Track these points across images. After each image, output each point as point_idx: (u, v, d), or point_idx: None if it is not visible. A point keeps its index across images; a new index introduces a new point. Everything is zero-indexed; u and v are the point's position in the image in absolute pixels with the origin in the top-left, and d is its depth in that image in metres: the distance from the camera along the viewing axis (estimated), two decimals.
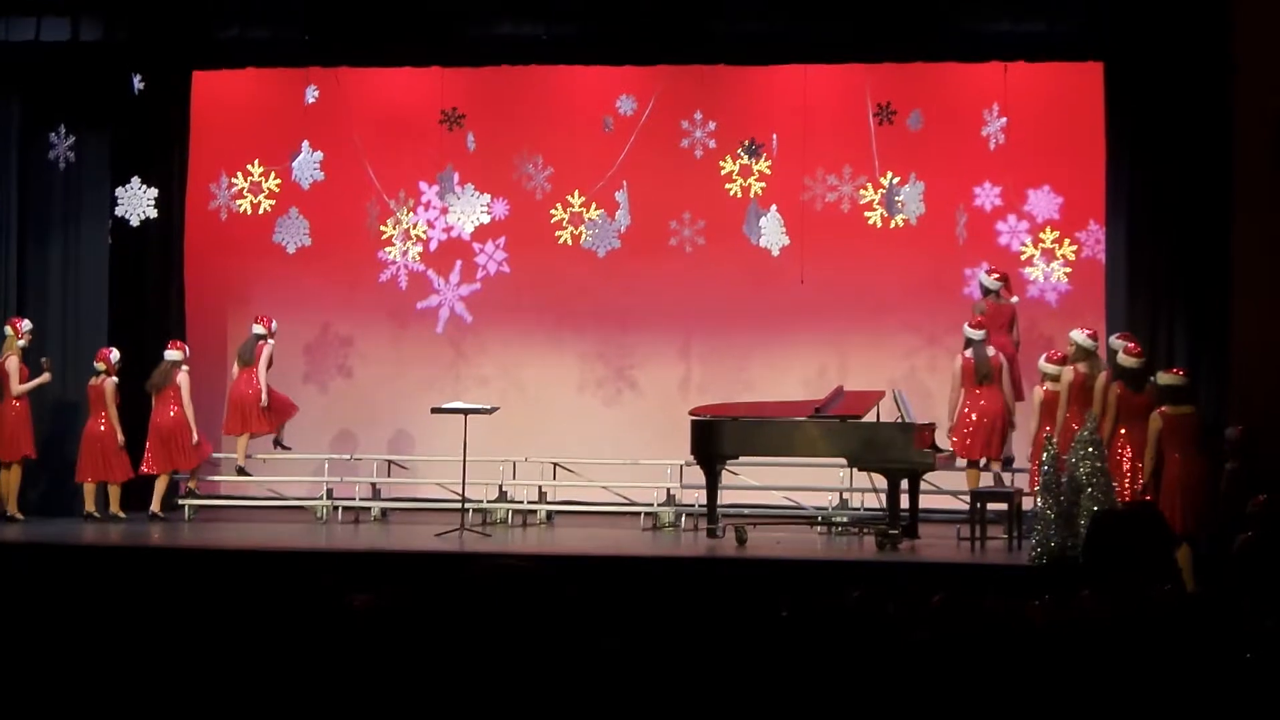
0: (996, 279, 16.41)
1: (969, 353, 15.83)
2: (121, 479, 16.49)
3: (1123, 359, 14.26)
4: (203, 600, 7.18)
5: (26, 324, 16.60)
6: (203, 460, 16.91)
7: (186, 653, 6.29)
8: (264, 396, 16.85)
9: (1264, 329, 14.18)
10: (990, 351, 15.78)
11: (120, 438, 16.38)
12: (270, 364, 17.00)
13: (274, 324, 17.12)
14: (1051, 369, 14.95)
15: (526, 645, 5.95)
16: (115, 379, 16.41)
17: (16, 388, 16.34)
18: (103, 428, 16.38)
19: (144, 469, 16.53)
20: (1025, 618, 7.18)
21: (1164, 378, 13.93)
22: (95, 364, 16.47)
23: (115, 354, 16.48)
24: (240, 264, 18.33)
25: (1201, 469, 13.51)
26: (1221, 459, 13.32)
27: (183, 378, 16.56)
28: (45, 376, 16.50)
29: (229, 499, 17.69)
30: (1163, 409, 13.67)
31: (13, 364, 16.35)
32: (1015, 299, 16.56)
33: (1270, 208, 14.26)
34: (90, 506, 16.38)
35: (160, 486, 16.55)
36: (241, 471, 17.14)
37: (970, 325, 15.92)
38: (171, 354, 16.66)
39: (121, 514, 16.39)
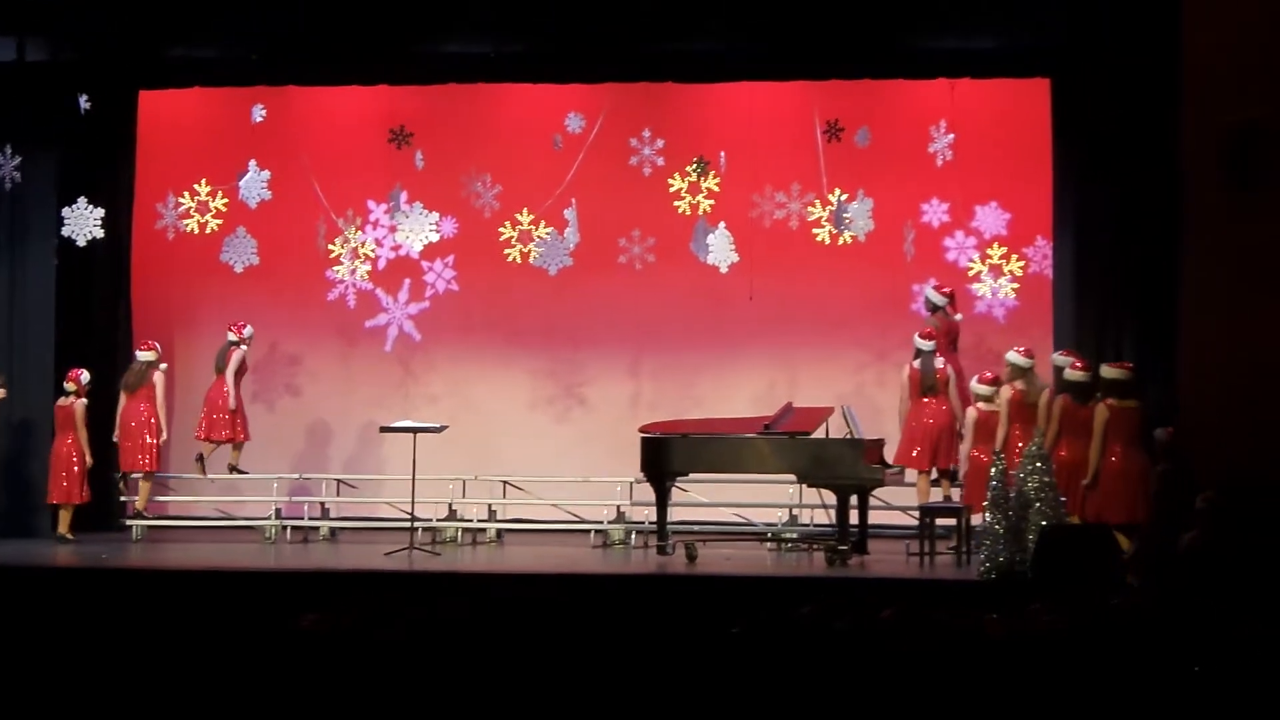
0: (944, 294, 16.44)
1: (917, 363, 15.87)
2: (80, 501, 16.34)
3: (1070, 374, 14.32)
4: (151, 621, 7.15)
5: None
6: (155, 470, 16.75)
7: (135, 673, 6.26)
8: (232, 399, 16.76)
9: (1211, 345, 14.21)
10: (939, 363, 15.82)
11: (88, 460, 16.25)
12: (242, 370, 16.93)
13: (246, 330, 17.03)
14: (984, 389, 15.00)
15: (482, 662, 5.94)
16: (85, 400, 16.29)
17: None
18: (70, 448, 16.25)
19: (121, 470, 16.51)
20: (978, 630, 7.19)
21: (1109, 371, 14.06)
22: (65, 385, 16.34)
23: (85, 375, 16.34)
24: (187, 283, 18.23)
25: (1142, 462, 13.64)
26: (1153, 460, 13.43)
27: (158, 377, 16.55)
28: (0, 393, 16.38)
29: (177, 519, 17.57)
30: (1108, 401, 13.79)
31: None
32: (959, 316, 16.58)
33: (1217, 223, 14.30)
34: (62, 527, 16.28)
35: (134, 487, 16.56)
36: (200, 460, 16.91)
37: (920, 336, 15.95)
38: (144, 354, 16.63)
39: (70, 535, 16.19)
